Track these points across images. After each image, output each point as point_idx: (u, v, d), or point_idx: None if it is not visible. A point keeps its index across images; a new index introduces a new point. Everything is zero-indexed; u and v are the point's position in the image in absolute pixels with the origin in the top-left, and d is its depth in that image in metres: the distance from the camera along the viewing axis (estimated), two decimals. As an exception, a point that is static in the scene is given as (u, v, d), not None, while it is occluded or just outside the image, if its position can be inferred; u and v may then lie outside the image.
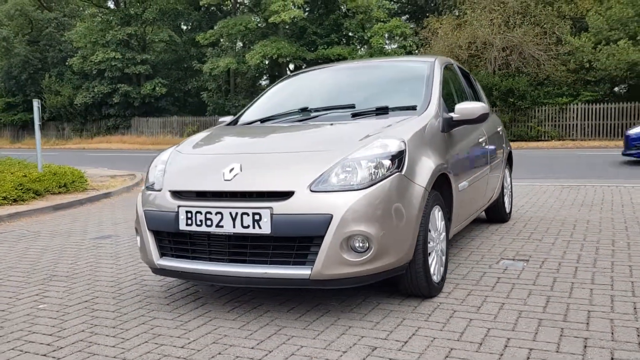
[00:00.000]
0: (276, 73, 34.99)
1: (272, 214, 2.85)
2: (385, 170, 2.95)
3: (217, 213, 2.97)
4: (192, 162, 3.41)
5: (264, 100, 4.53)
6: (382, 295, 3.38)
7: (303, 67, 35.02)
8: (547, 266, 3.90)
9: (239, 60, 30.04)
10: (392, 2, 31.21)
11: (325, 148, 3.13)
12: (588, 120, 22.28)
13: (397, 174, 2.98)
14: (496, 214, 5.46)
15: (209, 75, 31.95)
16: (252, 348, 2.69)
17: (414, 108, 3.71)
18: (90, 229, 6.14)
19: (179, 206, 3.09)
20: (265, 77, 38.91)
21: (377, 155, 2.98)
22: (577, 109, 22.38)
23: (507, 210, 5.67)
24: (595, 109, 22.10)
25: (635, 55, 20.43)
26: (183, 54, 36.18)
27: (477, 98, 5.20)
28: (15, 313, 3.35)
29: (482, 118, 3.79)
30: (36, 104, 9.35)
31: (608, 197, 7.03)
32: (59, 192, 8.87)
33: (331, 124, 3.58)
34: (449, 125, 3.77)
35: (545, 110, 22.55)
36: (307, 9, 30.47)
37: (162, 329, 2.98)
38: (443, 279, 3.45)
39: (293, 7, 27.01)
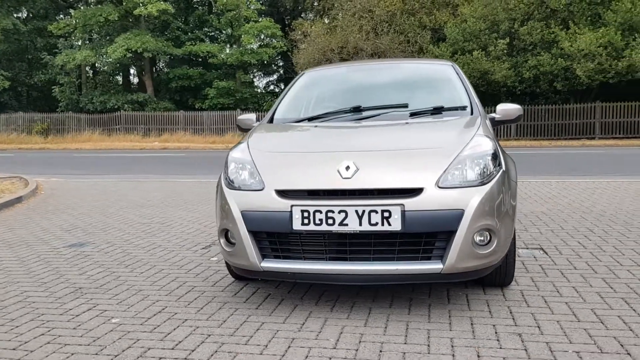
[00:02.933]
0: (136, 68, 33.33)
1: (403, 211, 2.88)
2: (492, 167, 3.12)
3: (340, 211, 2.92)
4: (288, 161, 3.28)
5: (292, 98, 4.41)
6: (459, 287, 3.54)
7: (164, 62, 33.71)
8: (567, 253, 4.33)
9: (98, 53, 28.15)
10: (259, 3, 31.26)
11: (431, 145, 3.23)
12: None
13: (502, 170, 3.17)
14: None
15: (61, 68, 29.52)
16: (405, 344, 2.72)
17: (464, 108, 3.91)
18: (46, 237, 5.50)
19: (292, 205, 2.99)
20: (119, 73, 36.76)
21: (483, 153, 3.14)
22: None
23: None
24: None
25: (487, 64, 22.73)
26: (27, 44, 32.97)
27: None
28: (96, 330, 2.99)
29: (518, 119, 4.11)
30: None
31: (547, 191, 7.65)
32: (-42, 197, 7.77)
33: (406, 123, 3.67)
34: (492, 125, 4.04)
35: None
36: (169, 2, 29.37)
37: (289, 333, 2.88)
38: (510, 268, 3.70)
39: (160, 0, 25.95)
